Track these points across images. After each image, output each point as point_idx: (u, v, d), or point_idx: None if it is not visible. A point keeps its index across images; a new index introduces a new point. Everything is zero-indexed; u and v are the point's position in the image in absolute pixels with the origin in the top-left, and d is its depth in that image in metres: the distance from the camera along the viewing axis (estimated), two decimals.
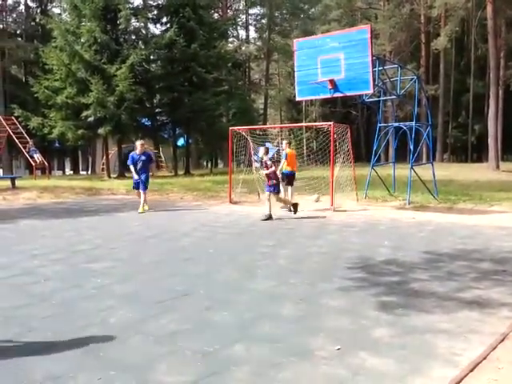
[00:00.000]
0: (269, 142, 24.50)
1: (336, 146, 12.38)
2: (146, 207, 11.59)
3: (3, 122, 25.76)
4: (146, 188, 11.57)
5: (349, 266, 5.84)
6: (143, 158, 11.51)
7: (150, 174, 12.15)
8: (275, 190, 10.22)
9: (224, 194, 15.05)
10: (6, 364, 3.21)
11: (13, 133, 25.38)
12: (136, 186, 11.72)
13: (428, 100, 27.21)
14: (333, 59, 11.45)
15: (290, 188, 12.02)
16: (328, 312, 4.18)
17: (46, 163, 26.15)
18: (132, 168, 11.53)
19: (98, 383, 2.94)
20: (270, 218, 9.97)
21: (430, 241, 7.53)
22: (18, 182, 18.61)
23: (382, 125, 14.61)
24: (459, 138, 43.58)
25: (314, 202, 12.59)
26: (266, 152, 10.37)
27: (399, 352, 3.34)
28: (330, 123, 12.19)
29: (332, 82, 11.40)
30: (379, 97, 14.37)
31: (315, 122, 41.34)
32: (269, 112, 51.23)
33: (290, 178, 12.01)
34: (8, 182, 18.43)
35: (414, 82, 13.94)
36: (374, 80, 11.23)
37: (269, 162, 10.20)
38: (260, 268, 5.84)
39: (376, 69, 12.01)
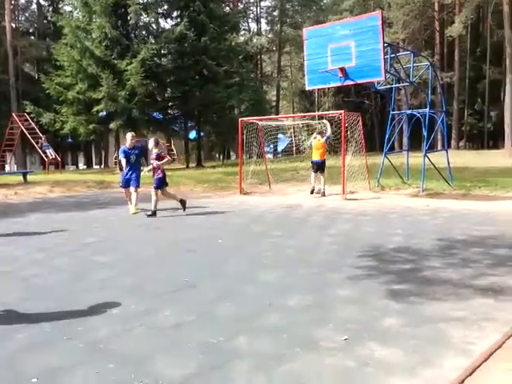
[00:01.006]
0: (282, 133, 24.34)
1: (347, 134, 12.19)
2: (137, 207, 10.08)
3: (16, 118, 25.95)
4: (138, 185, 10.14)
5: (359, 255, 5.68)
6: (136, 152, 10.13)
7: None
8: (157, 184, 9.55)
9: (235, 185, 14.94)
10: (4, 356, 3.14)
11: (26, 129, 25.56)
12: (124, 185, 10.28)
13: (443, 87, 26.71)
14: (343, 47, 11.22)
15: (321, 177, 12.37)
16: (336, 302, 4.04)
17: (58, 158, 26.30)
18: (124, 162, 10.11)
19: (95, 377, 2.84)
20: (154, 214, 9.34)
21: (444, 228, 7.33)
22: (30, 177, 18.72)
23: (394, 112, 14.33)
24: (475, 125, 42.80)
25: (316, 193, 12.24)
26: (157, 144, 9.81)
27: (410, 342, 3.20)
28: (340, 112, 11.98)
29: (342, 70, 11.18)
30: (392, 84, 14.10)
31: (328, 111, 40.98)
32: (281, 104, 50.91)
33: (318, 166, 12.33)
34: (20, 177, 18.56)
35: (428, 68, 13.63)
36: (385, 67, 10.99)
37: (162, 154, 9.81)
38: (268, 258, 5.71)
39: (388, 56, 11.77)
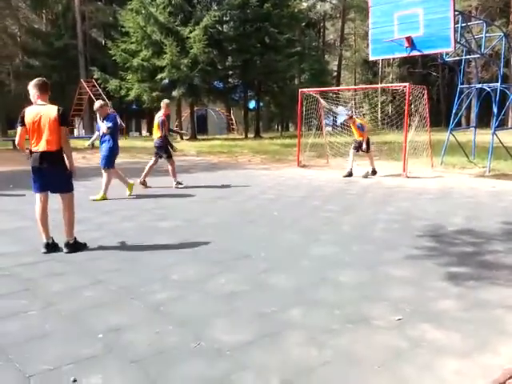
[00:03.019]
0: (342, 105, 23.83)
1: (411, 108, 11.76)
2: (102, 194, 8.19)
3: (84, 84, 26.90)
4: (108, 165, 8.23)
5: (418, 235, 5.57)
6: (107, 123, 8.10)
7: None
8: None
9: (292, 158, 14.91)
10: (71, 315, 3.39)
11: (93, 95, 26.48)
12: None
13: None
14: (410, 15, 10.73)
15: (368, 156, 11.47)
16: (391, 281, 4.02)
17: (123, 124, 27.15)
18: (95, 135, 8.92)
19: (155, 337, 3.02)
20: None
21: (511, 211, 7.01)
22: (96, 142, 19.50)
23: (463, 86, 13.64)
24: None
25: (363, 177, 10.93)
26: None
27: (466, 326, 3.15)
28: (405, 84, 11.55)
29: (409, 39, 10.71)
30: (462, 56, 13.39)
31: (392, 83, 39.56)
32: (343, 74, 49.56)
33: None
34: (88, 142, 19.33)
35: (501, 39, 12.80)
36: (455, 37, 10.44)
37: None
38: (323, 233, 5.73)
39: (459, 25, 11.16)
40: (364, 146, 11.02)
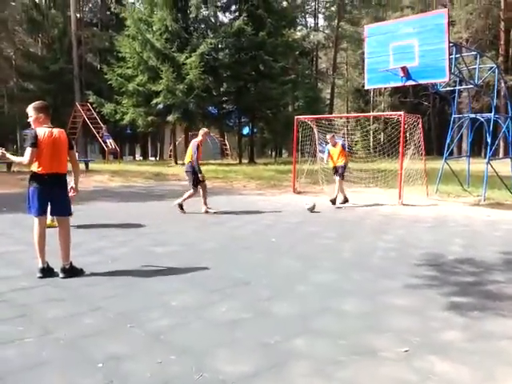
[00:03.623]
0: (335, 132, 24.07)
1: (406, 137, 11.87)
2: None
3: (79, 108, 26.98)
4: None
5: (417, 263, 5.55)
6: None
7: None
8: None
9: (287, 184, 14.94)
10: (69, 342, 3.29)
11: (88, 118, 26.54)
12: None
13: (508, 90, 25.51)
14: (406, 45, 10.97)
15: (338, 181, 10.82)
16: (394, 310, 3.98)
17: (117, 148, 27.16)
18: None
19: (157, 367, 2.94)
20: None
21: (507, 240, 7.02)
22: (91, 166, 19.46)
23: (456, 116, 13.84)
24: None
25: (308, 209, 9.68)
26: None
27: (472, 358, 3.11)
28: (400, 113, 11.70)
29: (404, 69, 10.92)
30: (454, 86, 13.63)
31: (383, 112, 40.07)
32: (335, 102, 50.26)
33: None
34: (82, 165, 19.32)
35: (493, 71, 13.08)
36: (450, 68, 10.66)
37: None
38: (322, 260, 5.69)
39: (452, 56, 11.39)
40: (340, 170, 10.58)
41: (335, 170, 10.84)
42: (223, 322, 3.68)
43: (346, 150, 10.91)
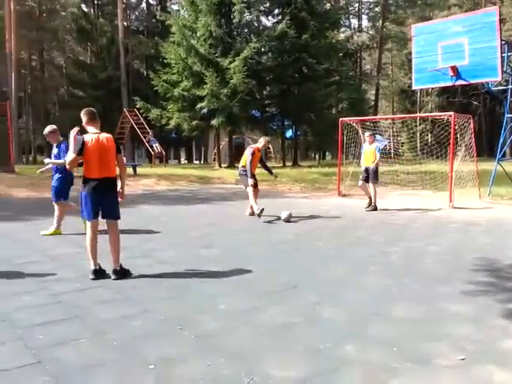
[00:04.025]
0: (379, 134, 23.63)
1: (457, 138, 11.50)
2: (53, 229, 7.42)
3: (127, 114, 27.73)
4: (60, 198, 7.35)
5: (471, 268, 5.34)
6: (58, 150, 7.26)
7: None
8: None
9: (332, 186, 14.78)
10: (121, 344, 3.35)
11: (135, 124, 27.21)
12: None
13: None
14: (455, 44, 10.69)
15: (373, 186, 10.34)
16: (448, 317, 3.83)
17: (163, 152, 27.69)
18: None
19: (207, 369, 2.94)
20: None
21: None
22: (138, 170, 19.93)
23: (509, 116, 13.28)
24: None
25: (283, 220, 8.80)
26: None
27: None
28: (450, 113, 11.34)
29: (454, 68, 10.63)
30: (507, 85, 13.10)
31: (431, 113, 39.04)
32: (380, 103, 49.41)
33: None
34: (130, 169, 19.83)
35: None
36: (502, 66, 10.27)
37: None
38: (371, 264, 5.56)
39: (504, 54, 10.98)
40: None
41: (366, 172, 10.25)
42: (272, 326, 3.65)
43: (378, 153, 10.22)
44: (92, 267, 4.88)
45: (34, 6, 36.88)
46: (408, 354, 3.14)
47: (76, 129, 4.83)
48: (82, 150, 4.75)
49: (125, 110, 28.75)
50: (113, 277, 4.86)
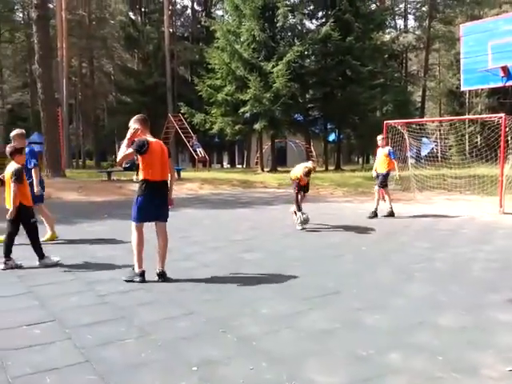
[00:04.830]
0: (426, 136, 23.06)
1: (507, 140, 11.08)
2: (50, 234, 7.25)
3: (172, 119, 28.29)
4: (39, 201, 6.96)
5: None
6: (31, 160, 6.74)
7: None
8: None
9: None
10: (165, 345, 3.43)
11: (179, 128, 27.72)
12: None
13: None
14: (506, 44, 10.29)
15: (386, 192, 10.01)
16: (497, 327, 3.71)
17: (206, 157, 28.06)
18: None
19: (249, 373, 2.97)
20: None
21: None
22: (182, 174, 20.28)
23: None
24: None
25: (299, 224, 8.41)
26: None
27: None
28: (500, 115, 10.95)
29: (505, 68, 10.25)
30: None
31: (480, 114, 37.76)
32: (427, 105, 48.23)
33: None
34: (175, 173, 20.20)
35: None
36: None
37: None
38: (416, 271, 5.45)
39: None
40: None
41: (378, 177, 9.85)
42: (314, 331, 3.65)
43: (394, 157, 9.79)
44: (138, 270, 4.99)
45: (85, 14, 38.21)
46: (454, 364, 3.06)
47: (138, 127, 4.94)
48: (146, 150, 4.85)
49: (170, 115, 29.34)
50: (159, 279, 4.97)
